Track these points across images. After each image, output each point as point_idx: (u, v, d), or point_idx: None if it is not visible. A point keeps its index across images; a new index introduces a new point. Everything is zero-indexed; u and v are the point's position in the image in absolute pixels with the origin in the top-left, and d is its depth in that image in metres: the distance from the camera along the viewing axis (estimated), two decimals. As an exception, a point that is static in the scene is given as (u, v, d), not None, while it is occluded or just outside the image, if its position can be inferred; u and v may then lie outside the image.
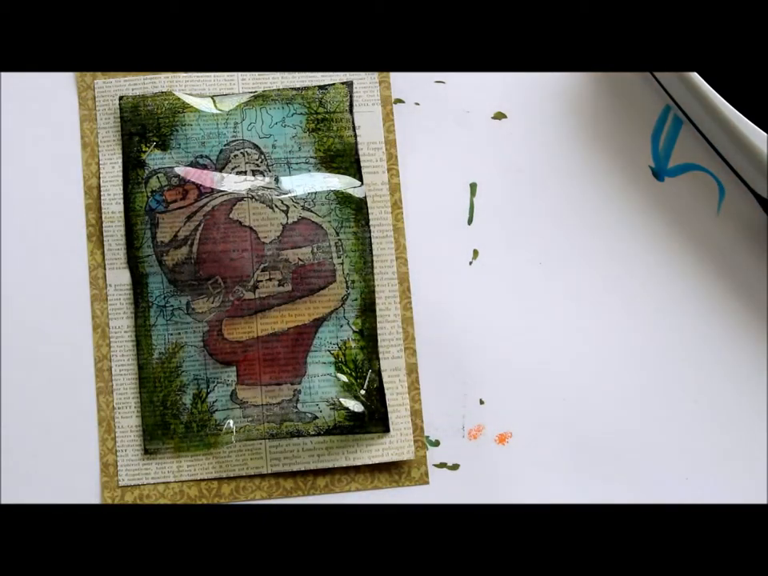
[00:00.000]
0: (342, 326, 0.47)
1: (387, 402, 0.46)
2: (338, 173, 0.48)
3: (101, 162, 0.48)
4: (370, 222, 0.48)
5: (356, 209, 0.48)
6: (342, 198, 0.48)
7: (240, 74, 0.49)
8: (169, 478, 0.45)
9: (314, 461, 0.46)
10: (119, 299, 0.47)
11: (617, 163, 0.49)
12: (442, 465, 0.47)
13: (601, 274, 0.49)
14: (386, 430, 0.46)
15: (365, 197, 0.48)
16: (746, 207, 0.49)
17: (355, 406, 0.46)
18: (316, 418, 0.46)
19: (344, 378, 0.46)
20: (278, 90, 0.48)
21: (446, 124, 0.49)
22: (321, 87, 0.48)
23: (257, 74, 0.49)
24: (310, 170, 0.48)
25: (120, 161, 0.48)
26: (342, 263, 0.47)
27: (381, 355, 0.47)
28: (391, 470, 0.46)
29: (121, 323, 0.47)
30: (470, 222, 0.49)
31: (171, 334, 0.46)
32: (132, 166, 0.48)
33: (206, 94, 0.48)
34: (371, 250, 0.48)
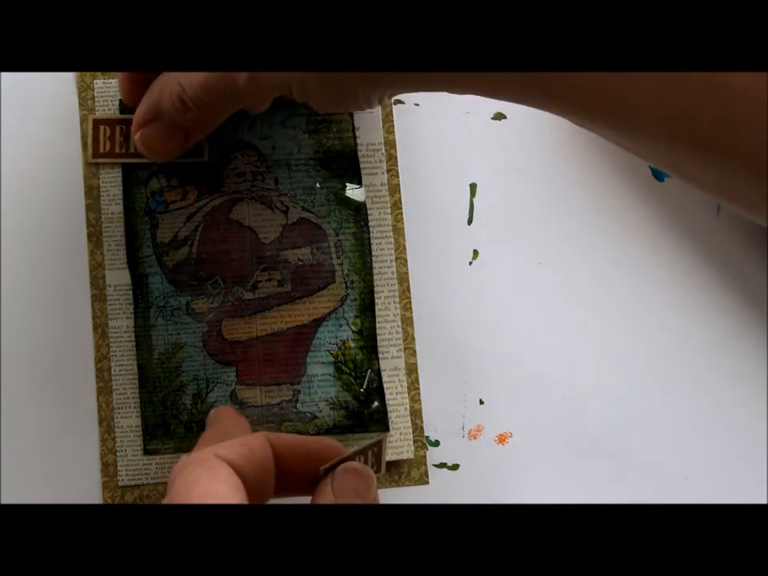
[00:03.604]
0: (341, 326, 0.47)
1: (387, 402, 0.47)
2: (338, 174, 0.48)
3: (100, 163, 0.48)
4: (370, 223, 0.48)
5: (355, 209, 0.48)
6: (342, 199, 0.48)
7: (239, 74, 0.49)
8: (168, 478, 0.45)
9: (313, 461, 0.46)
10: (119, 299, 0.47)
11: (617, 163, 0.49)
12: (442, 465, 0.47)
13: (601, 274, 0.49)
14: (386, 429, 0.46)
15: (364, 198, 0.48)
16: (746, 207, 0.49)
17: (355, 406, 0.46)
18: (315, 417, 0.46)
19: (343, 377, 0.46)
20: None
21: (445, 124, 0.49)
22: (320, 87, 0.48)
23: (256, 73, 0.49)
24: (309, 171, 0.48)
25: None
26: (342, 263, 0.47)
27: (380, 355, 0.47)
28: (391, 470, 0.46)
29: (120, 323, 0.47)
30: (469, 222, 0.49)
31: (171, 334, 0.46)
32: (132, 167, 0.48)
33: (206, 94, 0.48)
34: (370, 250, 0.48)
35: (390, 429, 0.46)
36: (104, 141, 0.47)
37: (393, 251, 0.48)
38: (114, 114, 0.48)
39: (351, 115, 0.49)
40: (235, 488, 0.32)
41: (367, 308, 0.47)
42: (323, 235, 0.48)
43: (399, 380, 0.47)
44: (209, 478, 0.32)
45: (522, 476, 0.47)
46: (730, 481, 0.47)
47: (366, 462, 0.36)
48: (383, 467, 0.37)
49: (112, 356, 0.46)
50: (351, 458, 0.36)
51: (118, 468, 0.46)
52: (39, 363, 0.46)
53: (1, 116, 0.48)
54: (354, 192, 0.48)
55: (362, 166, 0.48)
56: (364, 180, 0.48)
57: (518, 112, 0.50)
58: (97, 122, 0.47)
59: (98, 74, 0.48)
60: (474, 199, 0.49)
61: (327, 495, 0.34)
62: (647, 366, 0.48)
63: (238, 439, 0.35)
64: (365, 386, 0.46)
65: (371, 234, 0.48)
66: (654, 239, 0.49)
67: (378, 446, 0.37)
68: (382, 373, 0.47)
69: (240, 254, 0.47)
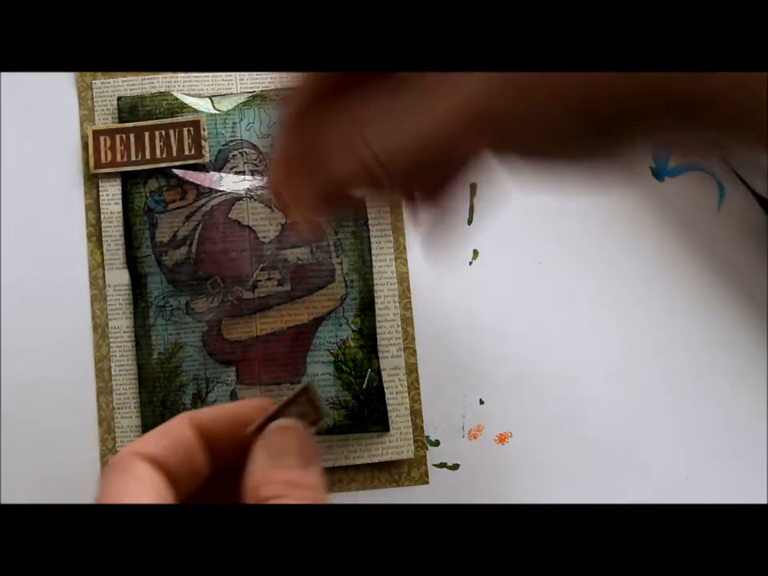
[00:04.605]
0: (341, 326, 0.47)
1: (387, 401, 0.46)
2: (338, 172, 0.48)
3: (100, 162, 0.48)
4: (369, 222, 0.48)
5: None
6: (342, 198, 0.48)
7: (238, 74, 0.49)
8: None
9: (313, 461, 0.46)
10: (118, 299, 0.47)
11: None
12: (442, 465, 0.47)
13: (600, 273, 0.49)
14: (386, 428, 0.46)
15: (363, 197, 0.48)
16: (746, 207, 0.49)
17: (354, 405, 0.46)
18: (315, 417, 0.46)
19: (343, 377, 0.46)
20: (277, 89, 0.48)
21: (445, 124, 0.49)
22: (320, 87, 0.48)
23: (255, 74, 0.49)
24: (309, 170, 0.48)
25: (119, 161, 0.48)
26: (341, 262, 0.47)
27: (380, 354, 0.47)
28: (391, 470, 0.46)
29: (120, 323, 0.47)
30: (469, 222, 0.49)
31: (170, 334, 0.46)
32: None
33: (205, 94, 0.48)
34: (370, 249, 0.47)
35: (390, 429, 0.46)
36: (105, 151, 0.47)
37: (392, 251, 0.48)
38: (114, 123, 0.48)
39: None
40: (150, 488, 0.31)
41: (367, 307, 0.47)
42: (322, 234, 0.47)
43: (399, 380, 0.47)
44: (122, 481, 0.31)
45: (521, 476, 0.47)
46: (730, 481, 0.47)
47: (303, 414, 0.34)
48: (322, 412, 0.34)
49: (112, 356, 0.46)
50: (280, 413, 0.34)
51: (118, 468, 0.45)
52: (39, 363, 0.46)
53: (1, 116, 0.48)
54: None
55: (361, 165, 0.48)
56: (364, 179, 0.48)
57: (517, 111, 0.50)
58: (97, 133, 0.47)
59: (98, 73, 0.48)
60: (474, 199, 0.49)
61: (260, 457, 0.33)
62: (647, 366, 0.48)
63: (157, 428, 0.33)
64: (365, 386, 0.46)
65: (371, 233, 0.48)
66: (654, 239, 0.49)
67: (307, 394, 0.34)
68: (382, 372, 0.47)
69: (239, 254, 0.47)
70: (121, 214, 0.47)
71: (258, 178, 0.48)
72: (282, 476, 0.31)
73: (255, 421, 0.34)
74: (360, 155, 0.30)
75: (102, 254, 0.47)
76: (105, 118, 0.48)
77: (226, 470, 0.35)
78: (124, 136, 0.47)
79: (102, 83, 0.48)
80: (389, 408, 0.46)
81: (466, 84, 0.28)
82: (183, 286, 0.47)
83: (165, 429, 0.33)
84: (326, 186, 0.32)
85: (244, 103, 0.48)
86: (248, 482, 0.31)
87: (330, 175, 0.32)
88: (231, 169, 0.48)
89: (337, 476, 0.46)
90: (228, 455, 0.34)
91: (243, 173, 0.48)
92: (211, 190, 0.47)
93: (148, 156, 0.47)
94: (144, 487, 0.31)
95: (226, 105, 0.48)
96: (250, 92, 0.48)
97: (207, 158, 0.47)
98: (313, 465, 0.33)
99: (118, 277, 0.47)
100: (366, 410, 0.46)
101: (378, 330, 0.47)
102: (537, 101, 0.27)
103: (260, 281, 0.47)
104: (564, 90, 0.26)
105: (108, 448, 0.46)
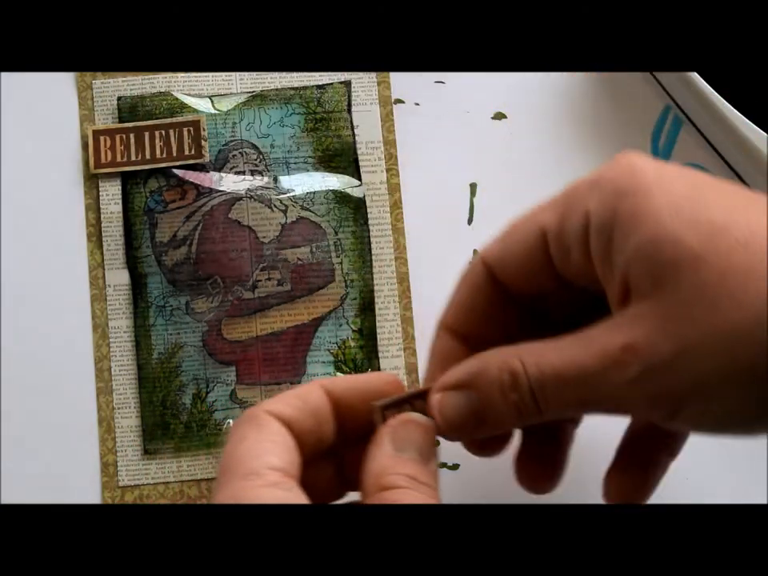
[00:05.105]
0: (341, 326, 0.47)
1: (387, 402, 0.46)
2: (337, 172, 0.48)
3: (100, 162, 0.48)
4: (369, 221, 0.48)
5: (354, 208, 0.48)
6: (341, 198, 0.48)
7: (238, 74, 0.48)
8: (169, 478, 0.45)
9: (313, 461, 0.46)
10: (118, 299, 0.47)
11: (616, 163, 0.49)
12: (442, 465, 0.47)
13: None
14: (386, 429, 0.46)
15: (363, 196, 0.48)
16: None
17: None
18: (315, 417, 0.46)
19: (343, 377, 0.46)
20: (276, 89, 0.48)
21: (446, 124, 0.49)
22: (319, 87, 0.48)
23: (255, 73, 0.49)
24: (308, 170, 0.48)
25: (119, 161, 0.48)
26: (341, 262, 0.47)
27: (380, 354, 0.47)
28: (391, 470, 0.46)
29: (120, 323, 0.47)
30: (469, 222, 0.49)
31: (170, 334, 0.46)
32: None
33: (204, 94, 0.48)
34: (370, 249, 0.48)
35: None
36: (105, 151, 0.47)
37: (393, 250, 0.48)
38: (114, 123, 0.48)
39: (350, 113, 0.49)
40: (282, 445, 0.31)
41: (367, 307, 0.47)
42: (322, 234, 0.47)
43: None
44: (255, 435, 0.31)
45: (521, 476, 0.47)
46: (730, 481, 0.47)
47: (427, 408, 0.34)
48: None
49: (112, 356, 0.46)
50: (410, 400, 0.34)
51: (118, 468, 0.45)
52: (39, 363, 0.46)
53: (1, 116, 0.48)
54: (353, 190, 0.48)
55: (360, 163, 0.48)
56: (363, 178, 0.48)
57: (518, 112, 0.50)
58: (97, 133, 0.47)
59: (98, 73, 0.48)
60: (474, 199, 0.49)
61: (385, 445, 0.33)
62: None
63: (292, 391, 0.34)
64: (365, 386, 0.46)
65: (371, 233, 0.48)
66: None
67: None
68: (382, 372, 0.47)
69: (239, 254, 0.47)
70: (121, 214, 0.47)
71: (258, 178, 0.48)
72: (405, 469, 0.32)
73: (383, 395, 0.34)
74: (507, 359, 0.32)
75: (102, 254, 0.47)
76: (105, 118, 0.48)
77: (347, 440, 0.35)
78: (124, 136, 0.47)
79: (102, 83, 0.48)
80: (389, 408, 0.46)
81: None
82: (183, 286, 0.47)
83: (300, 392, 0.33)
84: (468, 372, 0.33)
85: (244, 103, 0.48)
86: (370, 469, 0.32)
87: (474, 363, 0.33)
88: (231, 169, 0.48)
89: (337, 476, 0.46)
90: (353, 425, 0.34)
91: (243, 173, 0.48)
92: (211, 190, 0.47)
93: (148, 156, 0.47)
94: (277, 444, 0.31)
95: (226, 105, 0.48)
96: (249, 92, 0.48)
97: (207, 157, 0.47)
98: (432, 463, 0.33)
99: (118, 277, 0.47)
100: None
101: (378, 330, 0.47)
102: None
103: (260, 281, 0.47)
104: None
105: (108, 448, 0.46)
